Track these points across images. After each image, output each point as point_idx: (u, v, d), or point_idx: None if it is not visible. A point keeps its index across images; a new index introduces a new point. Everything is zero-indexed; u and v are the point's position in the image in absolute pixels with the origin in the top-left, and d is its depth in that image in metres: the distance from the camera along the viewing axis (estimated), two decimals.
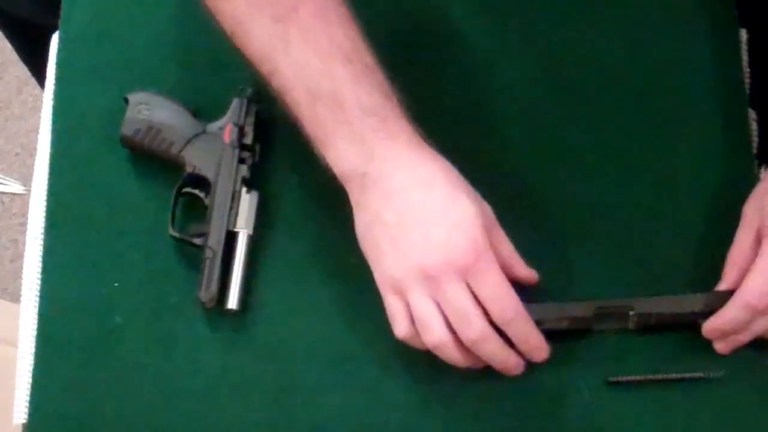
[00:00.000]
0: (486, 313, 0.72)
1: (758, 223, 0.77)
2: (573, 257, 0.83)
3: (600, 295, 0.81)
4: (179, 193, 0.82)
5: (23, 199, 1.75)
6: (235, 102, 0.83)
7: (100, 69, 0.88)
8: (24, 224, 1.66)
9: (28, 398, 0.80)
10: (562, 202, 0.85)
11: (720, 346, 0.79)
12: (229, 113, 0.83)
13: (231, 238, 0.81)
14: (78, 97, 0.87)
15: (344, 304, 0.82)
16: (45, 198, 0.85)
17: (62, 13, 0.89)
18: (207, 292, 0.79)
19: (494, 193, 0.84)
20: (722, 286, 0.78)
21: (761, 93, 0.89)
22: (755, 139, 0.87)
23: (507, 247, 0.76)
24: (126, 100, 0.83)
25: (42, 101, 0.90)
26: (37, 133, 0.89)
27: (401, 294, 0.73)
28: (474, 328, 0.72)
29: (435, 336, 0.72)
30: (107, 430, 0.80)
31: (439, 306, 0.71)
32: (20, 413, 0.80)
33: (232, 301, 0.80)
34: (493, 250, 0.72)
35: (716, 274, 0.82)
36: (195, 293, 0.80)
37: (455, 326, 0.72)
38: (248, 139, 0.83)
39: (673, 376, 0.79)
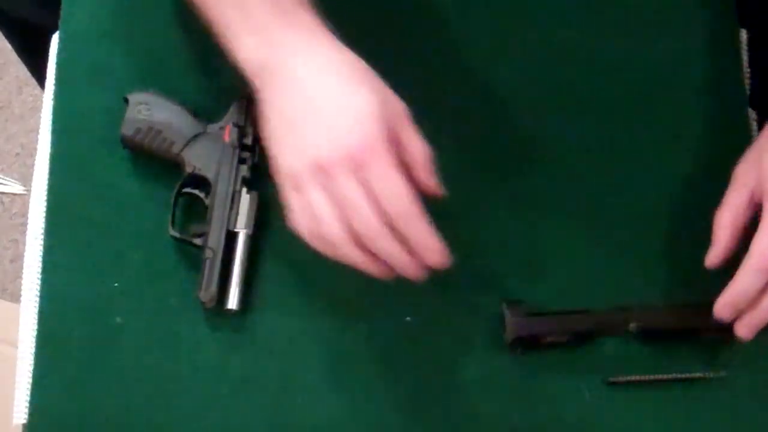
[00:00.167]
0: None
1: (754, 184, 0.75)
2: (573, 258, 0.83)
3: (600, 299, 0.81)
4: (179, 194, 0.82)
5: (23, 199, 1.74)
6: (236, 103, 0.83)
7: (100, 69, 0.88)
8: (24, 224, 1.66)
9: (28, 398, 0.80)
10: (560, 204, 0.85)
11: (742, 331, 0.76)
12: (229, 114, 0.83)
13: (231, 238, 0.81)
14: (78, 97, 0.87)
15: (344, 304, 0.82)
16: (45, 198, 0.85)
17: (62, 13, 0.89)
18: (207, 292, 0.79)
19: (494, 194, 0.85)
20: (715, 250, 0.76)
21: (761, 93, 0.89)
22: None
23: (416, 148, 0.73)
24: (126, 100, 0.83)
25: (42, 101, 0.90)
26: (37, 133, 0.89)
27: (301, 190, 0.70)
28: (364, 222, 0.69)
29: (329, 230, 0.70)
30: (107, 430, 0.80)
31: (333, 201, 0.70)
32: (20, 413, 0.80)
33: (232, 301, 0.80)
34: (401, 148, 0.71)
35: (717, 275, 0.82)
36: (195, 293, 0.80)
37: (347, 220, 0.69)
38: (248, 140, 0.83)
39: (673, 376, 0.80)
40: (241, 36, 0.72)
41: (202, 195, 0.82)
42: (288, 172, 0.71)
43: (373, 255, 0.71)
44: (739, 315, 0.75)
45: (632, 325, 0.79)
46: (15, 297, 1.64)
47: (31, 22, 1.11)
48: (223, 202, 0.81)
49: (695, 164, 0.86)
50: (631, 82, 0.88)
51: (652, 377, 0.79)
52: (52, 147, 0.86)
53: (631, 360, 0.80)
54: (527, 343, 0.80)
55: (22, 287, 0.84)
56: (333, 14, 0.89)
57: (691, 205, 0.85)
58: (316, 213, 0.70)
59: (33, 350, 0.82)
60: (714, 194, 0.85)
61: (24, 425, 0.80)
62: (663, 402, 0.80)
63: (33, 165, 0.88)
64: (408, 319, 0.82)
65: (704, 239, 0.84)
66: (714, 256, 0.77)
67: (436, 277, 0.82)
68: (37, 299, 0.83)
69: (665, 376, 0.79)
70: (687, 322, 0.79)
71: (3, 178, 1.76)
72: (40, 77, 1.16)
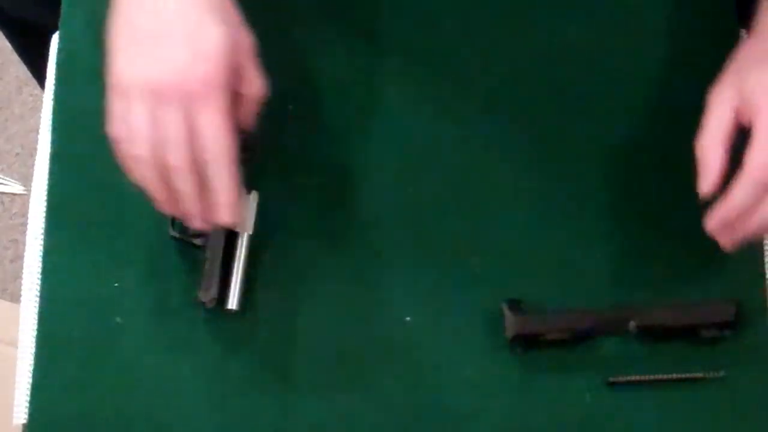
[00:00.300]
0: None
1: (736, 102, 0.74)
2: (572, 259, 0.83)
3: (600, 298, 0.81)
4: None
5: (23, 199, 1.74)
6: None
7: (100, 69, 0.87)
8: (24, 224, 1.66)
9: (28, 398, 0.80)
10: (560, 203, 0.85)
11: (727, 240, 0.75)
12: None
13: (231, 238, 0.81)
14: (78, 97, 0.87)
15: (344, 304, 0.82)
16: (45, 198, 0.85)
17: (62, 13, 0.89)
18: (207, 292, 0.79)
19: (494, 193, 0.85)
20: (709, 176, 0.74)
21: None
22: None
23: (255, 87, 0.74)
24: None
25: (42, 101, 0.90)
26: (37, 133, 0.89)
27: (126, 98, 0.71)
28: (177, 157, 0.70)
29: (140, 148, 0.70)
30: (107, 430, 0.80)
31: (153, 123, 0.70)
32: (20, 413, 0.80)
33: (233, 302, 0.80)
34: (241, 82, 0.72)
35: (716, 275, 0.82)
36: (195, 293, 0.80)
37: (160, 148, 0.70)
38: (249, 140, 0.82)
39: (673, 376, 0.80)
40: None
41: None
42: (120, 79, 0.71)
43: (166, 186, 0.72)
44: (727, 229, 0.75)
45: (632, 325, 0.79)
46: (15, 297, 1.64)
47: (31, 21, 1.11)
48: None
49: (695, 164, 0.85)
50: (632, 83, 0.88)
51: (652, 377, 0.79)
52: (52, 147, 0.86)
53: (631, 360, 0.80)
54: (527, 341, 0.80)
55: (22, 287, 0.84)
56: (333, 14, 0.90)
57: (691, 205, 0.85)
58: (132, 127, 0.70)
59: (33, 350, 0.82)
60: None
61: (24, 425, 0.80)
62: (663, 402, 0.80)
63: (33, 165, 0.88)
64: (408, 319, 0.82)
65: (704, 240, 0.84)
66: (709, 182, 0.74)
67: (436, 277, 0.83)
68: (37, 299, 0.83)
69: (665, 376, 0.79)
70: (687, 322, 0.79)
71: (3, 178, 1.76)
72: (40, 77, 1.16)
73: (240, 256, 0.81)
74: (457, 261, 0.83)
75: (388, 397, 0.80)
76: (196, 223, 0.73)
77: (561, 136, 0.86)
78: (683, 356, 0.80)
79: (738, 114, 0.74)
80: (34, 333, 0.82)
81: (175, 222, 0.81)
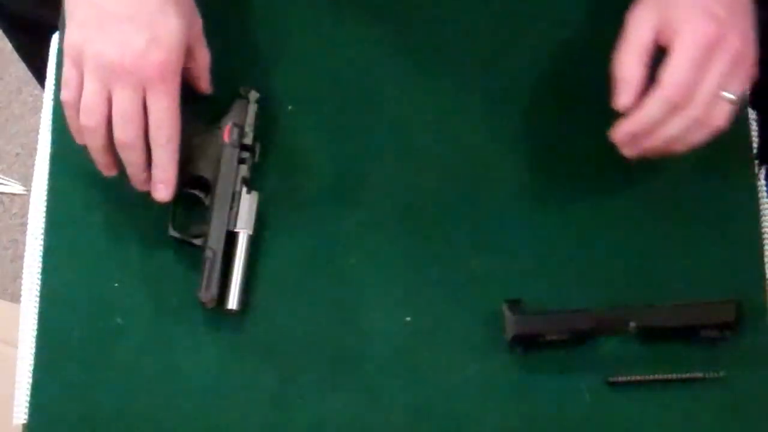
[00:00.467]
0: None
1: (659, 22, 0.75)
2: (572, 259, 0.83)
3: (600, 298, 0.81)
4: (179, 194, 0.82)
5: (23, 199, 1.74)
6: (236, 103, 0.83)
7: None
8: (24, 224, 1.66)
9: (28, 398, 0.80)
10: (560, 204, 0.85)
11: (629, 151, 0.79)
12: (230, 114, 0.83)
13: (231, 238, 0.81)
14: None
15: (344, 304, 0.82)
16: (45, 198, 0.85)
17: (62, 13, 0.89)
18: (207, 292, 0.79)
19: (494, 193, 0.85)
20: (627, 90, 0.76)
21: (761, 93, 0.89)
22: (755, 139, 0.87)
23: (203, 60, 0.81)
24: None
25: (42, 101, 0.90)
26: (37, 133, 0.89)
27: (79, 67, 0.75)
28: (126, 133, 0.76)
29: (91, 120, 0.76)
30: (107, 430, 0.80)
31: (108, 98, 0.75)
32: (20, 413, 0.80)
33: (232, 302, 0.80)
34: (190, 60, 0.78)
35: (716, 275, 0.82)
36: (195, 293, 0.80)
37: (113, 123, 0.76)
38: (248, 140, 0.83)
39: (673, 376, 0.80)
40: None
41: (202, 195, 0.82)
42: (76, 47, 0.76)
43: (108, 153, 0.79)
44: (633, 142, 0.78)
45: (632, 325, 0.79)
46: (15, 297, 1.64)
47: (31, 19, 1.11)
48: (223, 202, 0.81)
49: (695, 164, 0.86)
50: None
51: (652, 377, 0.79)
52: (52, 147, 0.86)
53: (631, 360, 0.80)
54: (527, 342, 0.80)
55: (22, 287, 0.84)
56: (333, 14, 0.90)
57: (690, 205, 0.85)
58: (85, 100, 0.76)
59: (33, 350, 0.81)
60: (714, 194, 0.85)
61: (24, 425, 0.80)
62: (663, 402, 0.80)
63: (33, 165, 0.88)
64: (408, 319, 0.82)
65: (704, 239, 0.84)
66: (626, 98, 0.76)
67: (436, 278, 0.83)
68: (37, 299, 0.83)
69: (665, 376, 0.79)
70: (687, 322, 0.79)
71: (3, 178, 1.76)
72: (40, 77, 1.16)
73: (240, 256, 0.81)
74: (457, 261, 0.83)
75: (388, 397, 0.80)
76: (140, 188, 0.80)
77: (561, 136, 0.86)
78: (683, 356, 0.80)
79: (658, 34, 0.75)
80: (34, 333, 0.82)
81: (175, 222, 0.81)
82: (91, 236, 0.84)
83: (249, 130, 0.83)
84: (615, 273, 0.83)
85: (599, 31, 0.88)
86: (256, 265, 0.82)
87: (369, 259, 0.83)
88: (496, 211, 0.84)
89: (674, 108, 0.75)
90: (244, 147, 0.82)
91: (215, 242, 0.80)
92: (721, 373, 0.79)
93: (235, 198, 0.81)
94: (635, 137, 0.77)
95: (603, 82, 0.87)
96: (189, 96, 0.82)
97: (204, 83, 0.82)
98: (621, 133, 0.78)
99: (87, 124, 0.77)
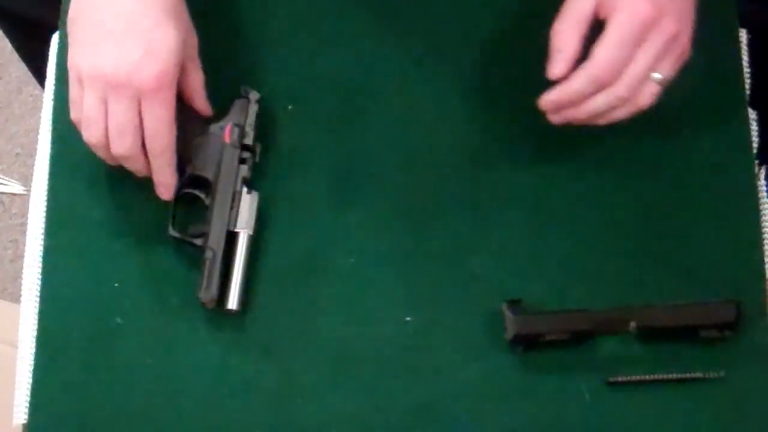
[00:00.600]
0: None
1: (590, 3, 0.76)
2: (572, 259, 0.83)
3: (600, 298, 0.81)
4: (180, 194, 0.82)
5: (23, 199, 1.74)
6: (237, 103, 0.83)
7: None
8: (24, 224, 1.66)
9: (28, 398, 0.80)
10: (560, 204, 0.85)
11: (554, 118, 0.80)
12: (230, 114, 0.83)
13: (231, 238, 0.81)
14: None
15: (344, 304, 0.82)
16: (45, 198, 0.85)
17: (62, 13, 0.89)
18: (207, 292, 0.79)
19: (494, 193, 0.85)
20: (561, 59, 0.76)
21: (761, 93, 0.89)
22: (755, 139, 0.87)
23: (197, 80, 0.81)
24: None
25: (42, 101, 0.90)
26: (37, 133, 0.89)
27: (81, 86, 0.77)
28: (122, 145, 0.77)
29: (91, 136, 0.78)
30: (107, 430, 0.80)
31: (103, 112, 0.77)
32: (20, 413, 0.80)
33: (233, 302, 0.80)
34: (184, 78, 0.79)
35: (716, 275, 0.82)
36: (195, 293, 0.80)
37: (110, 137, 0.77)
38: (249, 140, 0.83)
39: (673, 376, 0.80)
40: None
41: (202, 195, 0.82)
42: (76, 66, 0.77)
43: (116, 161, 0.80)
44: (558, 110, 0.79)
45: (632, 325, 0.79)
46: (15, 297, 1.64)
47: (31, 19, 1.11)
48: (223, 202, 0.81)
49: (695, 164, 0.86)
50: None
51: (652, 377, 0.79)
52: (52, 147, 0.86)
53: (631, 360, 0.80)
54: (527, 342, 0.80)
55: (22, 287, 0.84)
56: (333, 14, 0.90)
57: (690, 205, 0.85)
58: (86, 112, 0.77)
59: (33, 350, 0.81)
60: (714, 194, 0.85)
61: (24, 425, 0.80)
62: (663, 402, 0.80)
63: (33, 165, 0.88)
64: (408, 319, 0.82)
65: (704, 239, 0.84)
66: (560, 67, 0.77)
67: (436, 278, 0.83)
68: (37, 299, 0.83)
69: (665, 376, 0.79)
70: (687, 322, 0.79)
71: (3, 178, 1.76)
72: (40, 77, 1.16)
73: (240, 257, 0.81)
74: (457, 261, 0.83)
75: (388, 397, 0.80)
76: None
77: (561, 136, 0.86)
78: (683, 356, 0.80)
79: (597, 7, 0.76)
80: (34, 333, 0.82)
81: (175, 222, 0.81)
82: (91, 236, 0.84)
83: (249, 129, 0.83)
84: (615, 273, 0.83)
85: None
86: (256, 264, 0.82)
87: (369, 258, 0.83)
88: (496, 211, 0.84)
89: (601, 85, 0.76)
90: (244, 147, 0.82)
91: (215, 242, 0.80)
92: (721, 373, 0.79)
93: (235, 198, 0.81)
94: (560, 107, 0.79)
95: None
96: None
97: (199, 103, 0.82)
98: (546, 100, 0.79)
99: (88, 140, 0.78)
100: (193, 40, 0.80)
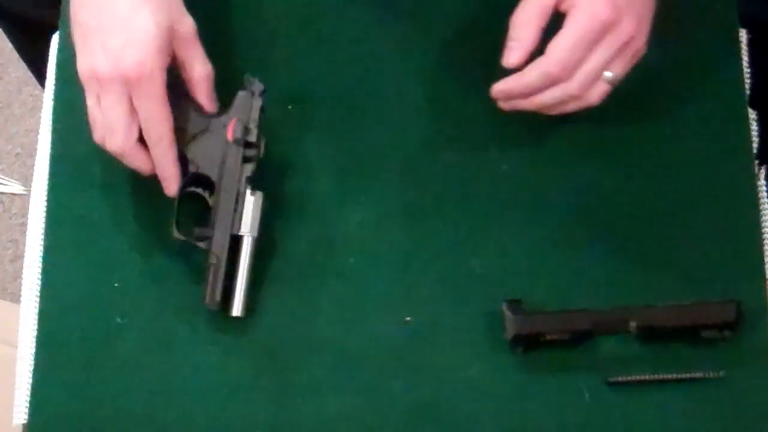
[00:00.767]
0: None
1: None
2: (572, 259, 0.83)
3: (600, 298, 0.81)
4: (182, 193, 0.81)
5: (23, 199, 1.74)
6: (240, 95, 0.80)
7: None
8: (24, 224, 1.66)
9: (28, 398, 0.80)
10: (560, 204, 0.85)
11: (504, 105, 0.81)
12: (233, 108, 0.80)
13: (235, 241, 0.80)
14: (78, 97, 0.87)
15: (344, 305, 0.82)
16: (45, 198, 0.85)
17: (62, 13, 0.89)
18: (212, 299, 0.79)
19: (493, 193, 0.85)
20: (518, 48, 0.77)
21: (761, 93, 0.89)
22: (755, 139, 0.87)
23: (197, 70, 0.79)
24: None
25: (42, 101, 0.90)
26: (37, 133, 0.89)
27: (84, 89, 0.78)
28: (114, 142, 0.77)
29: (96, 133, 0.78)
30: (107, 430, 0.80)
31: (100, 110, 0.77)
32: (20, 413, 0.80)
33: (237, 309, 0.80)
34: (185, 67, 0.78)
35: (716, 275, 0.82)
36: (196, 294, 0.80)
37: (104, 133, 0.77)
38: (252, 136, 0.80)
39: (673, 376, 0.80)
40: None
41: (205, 194, 0.81)
42: (79, 72, 0.77)
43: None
44: (509, 99, 0.81)
45: (632, 325, 0.79)
46: (15, 297, 1.64)
47: (31, 19, 1.12)
48: (227, 204, 0.80)
49: (695, 164, 0.86)
50: (632, 83, 0.87)
51: (652, 377, 0.79)
52: (52, 147, 0.86)
53: (631, 360, 0.80)
54: (527, 342, 0.80)
55: (22, 287, 0.84)
56: (333, 14, 0.90)
57: (690, 205, 0.85)
58: (90, 115, 0.78)
59: (33, 350, 0.81)
60: (714, 194, 0.85)
61: (24, 425, 0.80)
62: (663, 402, 0.80)
63: (33, 165, 0.88)
64: (408, 319, 0.82)
65: (704, 239, 0.84)
66: (515, 56, 0.78)
67: (436, 277, 0.83)
68: (37, 299, 0.83)
69: (665, 376, 0.79)
70: (687, 322, 0.79)
71: (3, 178, 1.76)
72: (40, 77, 1.16)
73: (244, 261, 0.80)
74: (457, 261, 0.83)
75: (388, 397, 0.80)
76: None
77: (561, 135, 0.86)
78: (683, 356, 0.80)
79: (558, 4, 0.76)
80: (34, 333, 0.82)
81: (179, 222, 0.81)
82: (91, 236, 0.84)
83: (253, 126, 0.80)
84: (615, 273, 0.83)
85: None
86: (256, 265, 0.82)
87: (369, 259, 0.83)
88: (496, 211, 0.84)
89: (553, 81, 0.77)
90: (248, 144, 0.80)
91: (219, 248, 0.79)
92: (721, 373, 0.79)
93: (239, 200, 0.80)
94: (510, 97, 0.80)
95: None
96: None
97: (200, 97, 0.80)
98: (498, 90, 0.80)
99: (97, 139, 0.78)
100: (187, 28, 0.77)
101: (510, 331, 0.79)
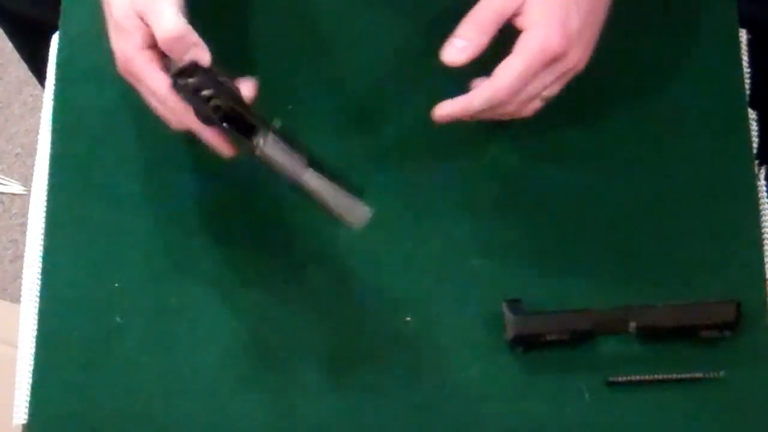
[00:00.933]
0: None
1: (511, 4, 0.76)
2: (572, 259, 0.83)
3: (599, 299, 0.81)
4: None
5: (23, 199, 1.74)
6: None
7: (100, 69, 0.88)
8: (24, 224, 1.66)
9: (28, 398, 0.80)
10: (560, 203, 0.85)
11: (439, 120, 0.80)
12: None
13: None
14: (78, 97, 0.87)
15: (344, 304, 0.82)
16: (45, 198, 0.85)
17: (62, 13, 0.89)
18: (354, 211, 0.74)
19: (493, 193, 0.85)
20: (456, 58, 0.76)
21: (761, 93, 0.89)
22: (755, 139, 0.87)
23: (159, 30, 0.73)
24: None
25: (42, 101, 0.90)
26: (37, 133, 0.89)
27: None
28: (176, 126, 0.76)
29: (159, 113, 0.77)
30: (107, 430, 0.80)
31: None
32: (20, 413, 0.80)
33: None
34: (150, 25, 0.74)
35: (716, 275, 0.82)
36: (197, 294, 0.80)
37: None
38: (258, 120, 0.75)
39: (673, 376, 0.80)
40: None
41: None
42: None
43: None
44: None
45: (632, 325, 0.79)
46: (15, 297, 1.64)
47: (31, 19, 1.12)
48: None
49: (695, 164, 0.86)
50: (631, 82, 0.88)
51: (652, 377, 0.79)
52: (52, 147, 0.86)
53: (631, 360, 0.80)
54: (527, 342, 0.80)
55: (22, 287, 0.84)
56: (333, 14, 0.90)
57: (690, 205, 0.85)
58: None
59: (33, 350, 0.82)
60: (714, 194, 0.85)
61: (24, 425, 0.80)
62: (663, 402, 0.80)
63: (33, 165, 0.88)
64: (408, 319, 0.82)
65: (703, 240, 0.84)
66: (460, 58, 0.77)
67: (436, 277, 0.83)
68: (37, 299, 0.83)
69: (665, 376, 0.79)
70: (687, 322, 0.79)
71: (3, 178, 1.76)
72: (40, 77, 1.16)
73: None
74: (457, 261, 0.83)
75: (388, 397, 0.80)
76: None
77: (561, 135, 0.86)
78: (683, 356, 0.80)
79: (514, 15, 0.76)
80: (34, 333, 0.82)
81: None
82: (91, 236, 0.84)
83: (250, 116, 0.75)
84: (615, 273, 0.83)
85: (602, 31, 0.88)
86: (256, 264, 0.82)
87: (369, 259, 0.83)
88: (497, 211, 0.84)
89: (493, 107, 0.77)
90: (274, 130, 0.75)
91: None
92: (721, 373, 0.79)
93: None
94: (454, 120, 0.79)
95: (605, 81, 0.88)
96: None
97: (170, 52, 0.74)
98: (442, 116, 0.79)
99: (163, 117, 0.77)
100: None
101: (510, 331, 0.79)
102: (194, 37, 0.73)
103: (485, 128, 0.87)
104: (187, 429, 0.80)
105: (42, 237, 0.84)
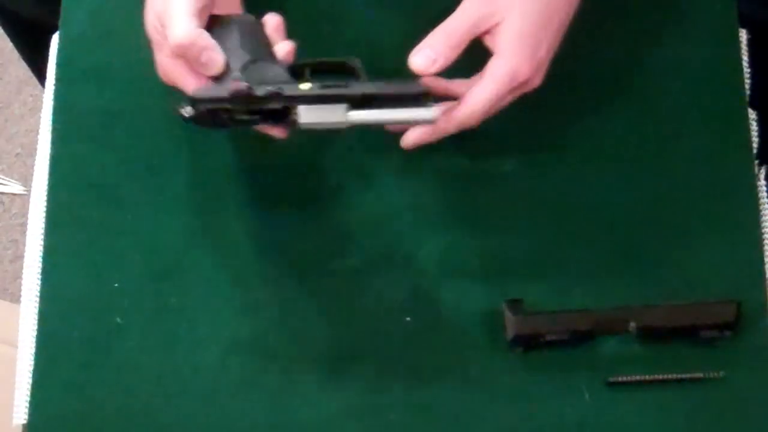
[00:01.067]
0: None
1: (485, 23, 0.77)
2: (572, 259, 0.83)
3: (600, 298, 0.81)
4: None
5: (23, 199, 1.74)
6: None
7: (100, 69, 0.88)
8: (24, 224, 1.66)
9: (28, 398, 0.80)
10: (560, 204, 0.85)
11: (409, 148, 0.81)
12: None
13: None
14: (78, 97, 0.87)
15: (344, 304, 0.82)
16: (45, 198, 0.85)
17: (62, 13, 0.89)
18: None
19: (493, 193, 0.85)
20: (426, 68, 0.77)
21: (761, 93, 0.89)
22: (755, 139, 0.87)
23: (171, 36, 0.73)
24: None
25: (42, 101, 0.90)
26: (37, 133, 0.89)
27: None
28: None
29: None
30: (107, 430, 0.80)
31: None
32: (20, 413, 0.80)
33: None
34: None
35: (716, 275, 0.82)
36: (197, 294, 0.80)
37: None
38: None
39: (673, 376, 0.80)
40: None
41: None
42: None
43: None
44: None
45: (632, 325, 0.79)
46: (15, 297, 1.64)
47: (31, 19, 1.12)
48: None
49: (695, 164, 0.86)
50: (631, 82, 0.88)
51: (652, 377, 0.79)
52: (52, 147, 0.86)
53: (631, 360, 0.80)
54: (527, 342, 0.80)
55: (22, 287, 0.84)
56: (333, 14, 0.90)
57: (690, 205, 0.85)
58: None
59: (33, 350, 0.82)
60: (714, 194, 0.85)
61: (24, 425, 0.80)
62: (663, 402, 0.80)
63: (33, 165, 0.88)
64: (408, 319, 0.82)
65: (703, 239, 0.84)
66: (429, 69, 0.77)
67: (436, 278, 0.83)
68: (37, 299, 0.83)
69: (665, 376, 0.79)
70: (687, 322, 0.79)
71: (3, 178, 1.76)
72: (40, 77, 1.16)
73: None
74: (457, 261, 0.83)
75: (388, 397, 0.80)
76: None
77: (561, 136, 0.86)
78: (683, 356, 0.80)
79: (485, 33, 0.77)
80: (34, 333, 0.82)
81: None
82: (91, 236, 0.84)
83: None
84: (615, 273, 0.83)
85: (602, 31, 0.88)
86: (256, 265, 0.82)
87: (369, 259, 0.83)
88: (497, 211, 0.84)
89: (464, 129, 0.78)
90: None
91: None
92: (721, 373, 0.79)
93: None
94: (419, 146, 0.80)
95: (605, 81, 0.88)
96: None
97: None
98: (411, 142, 0.79)
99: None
100: None
101: (510, 331, 0.79)
102: (205, 40, 0.73)
103: (486, 128, 0.87)
104: (187, 429, 0.80)
105: (42, 237, 0.84)
